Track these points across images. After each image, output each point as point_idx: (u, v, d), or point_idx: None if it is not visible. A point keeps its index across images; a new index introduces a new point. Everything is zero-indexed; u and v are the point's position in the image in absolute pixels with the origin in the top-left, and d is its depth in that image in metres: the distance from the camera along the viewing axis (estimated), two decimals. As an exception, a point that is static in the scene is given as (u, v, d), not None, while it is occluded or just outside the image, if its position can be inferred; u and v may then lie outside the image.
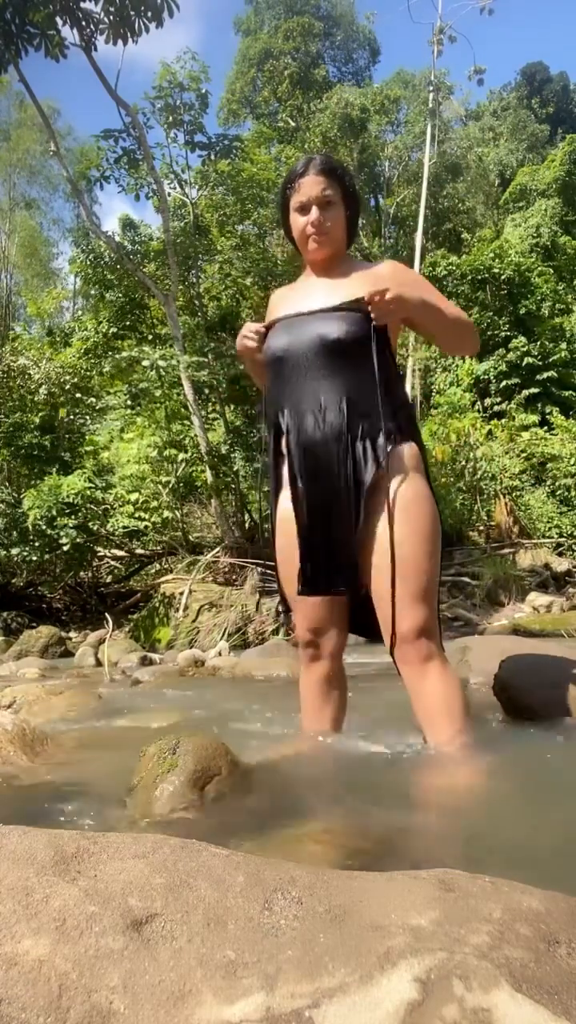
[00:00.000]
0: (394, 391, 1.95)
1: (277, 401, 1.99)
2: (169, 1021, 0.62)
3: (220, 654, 5.27)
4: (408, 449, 1.90)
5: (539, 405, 15.12)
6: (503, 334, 16.06)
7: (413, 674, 1.83)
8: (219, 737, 1.63)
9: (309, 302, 1.97)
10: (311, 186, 1.94)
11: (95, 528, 7.90)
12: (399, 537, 1.82)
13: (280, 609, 2.20)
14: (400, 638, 1.82)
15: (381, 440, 1.86)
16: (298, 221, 1.99)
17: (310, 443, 1.89)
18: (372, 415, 1.87)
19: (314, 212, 1.95)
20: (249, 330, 2.05)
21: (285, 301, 2.08)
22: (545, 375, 15.57)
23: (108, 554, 9.36)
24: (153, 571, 9.28)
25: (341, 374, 1.87)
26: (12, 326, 21.01)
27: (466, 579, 8.19)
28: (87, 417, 9.66)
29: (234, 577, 7.85)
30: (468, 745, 1.78)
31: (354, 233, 2.06)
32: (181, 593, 6.99)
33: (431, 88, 13.16)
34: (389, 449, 1.86)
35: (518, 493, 11.19)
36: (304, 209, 1.96)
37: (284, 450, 1.97)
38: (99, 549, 8.76)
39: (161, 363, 8.03)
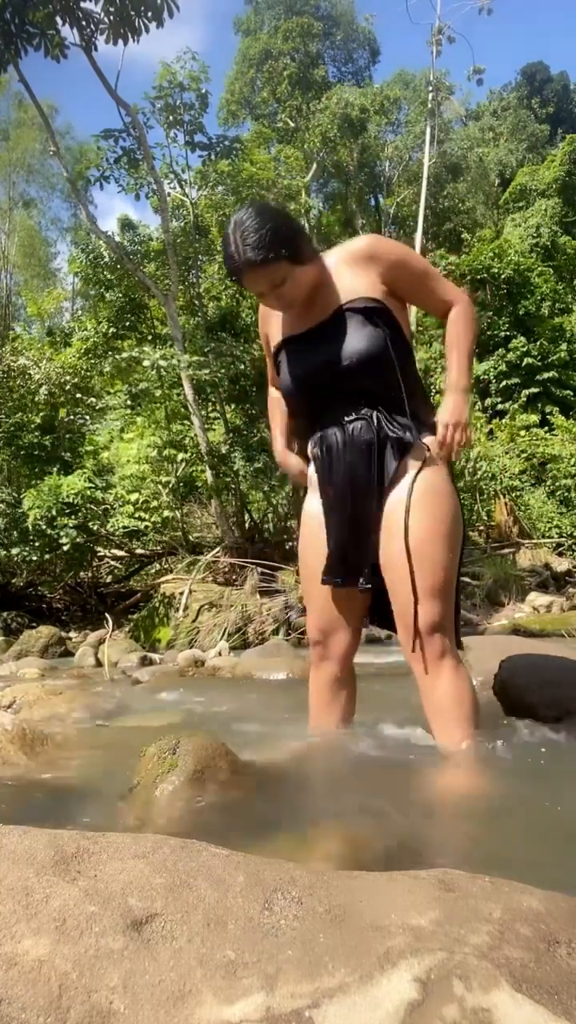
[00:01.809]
0: (416, 391, 1.95)
1: (304, 418, 2.03)
2: (169, 1021, 0.62)
3: (220, 654, 5.27)
4: (429, 444, 1.90)
5: (539, 405, 15.12)
6: (503, 334, 16.07)
7: (425, 671, 1.82)
8: (219, 737, 1.63)
9: (304, 318, 1.94)
10: (254, 284, 1.83)
11: (95, 528, 7.90)
12: (417, 531, 1.81)
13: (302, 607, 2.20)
14: (414, 634, 1.82)
15: (404, 436, 1.87)
16: (261, 301, 1.94)
17: (339, 450, 1.91)
18: (395, 417, 1.88)
19: (271, 299, 1.88)
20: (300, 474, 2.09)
21: (278, 316, 2.02)
22: (545, 375, 15.58)
23: (108, 554, 9.36)
24: (153, 571, 9.28)
25: (361, 383, 1.88)
26: (12, 326, 21.00)
27: (466, 579, 8.19)
28: (87, 417, 9.65)
29: (234, 577, 7.85)
30: (477, 745, 1.78)
31: (309, 250, 1.88)
32: (181, 593, 6.99)
33: (431, 88, 13.15)
34: (410, 444, 1.87)
35: (518, 493, 11.18)
36: (261, 296, 1.89)
37: (314, 453, 1.99)
38: (99, 549, 8.75)
39: (162, 363, 8.03)
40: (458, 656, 1.88)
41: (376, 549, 1.89)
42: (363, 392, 1.88)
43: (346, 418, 1.90)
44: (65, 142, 23.75)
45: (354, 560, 1.92)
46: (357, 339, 1.85)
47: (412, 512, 1.82)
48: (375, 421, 1.87)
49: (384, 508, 1.86)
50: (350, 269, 1.90)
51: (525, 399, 15.18)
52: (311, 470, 2.03)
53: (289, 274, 1.81)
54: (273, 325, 2.04)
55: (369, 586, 1.90)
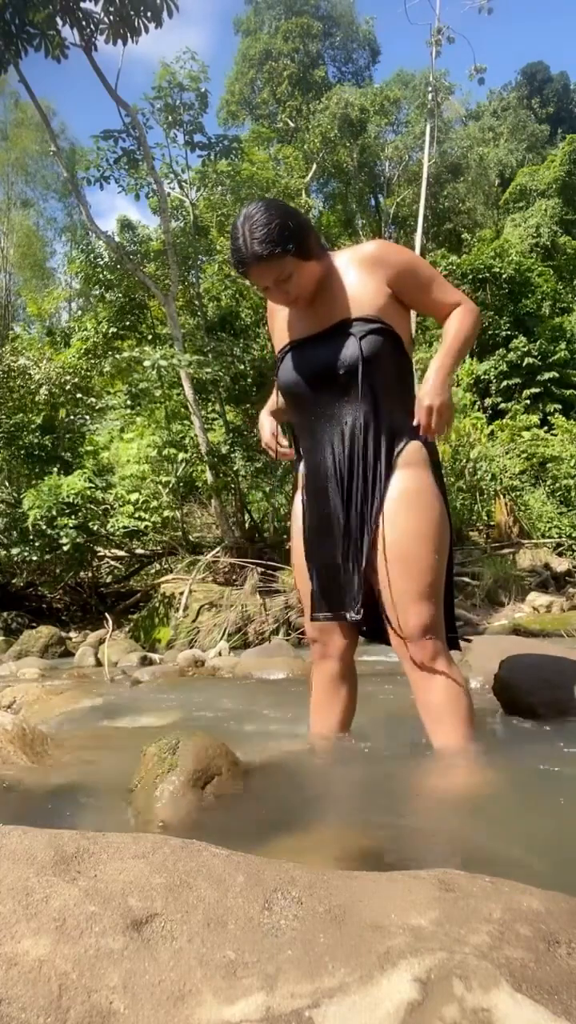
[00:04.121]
0: (408, 395, 1.95)
1: (296, 426, 2.04)
2: (169, 1021, 0.62)
3: (220, 654, 5.27)
4: (414, 447, 1.90)
5: (540, 405, 15.13)
6: (503, 334, 16.07)
7: (418, 673, 1.83)
8: (219, 737, 1.63)
9: (308, 321, 1.96)
10: (260, 277, 1.84)
11: (95, 528, 7.90)
12: (403, 533, 1.82)
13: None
14: (405, 636, 1.82)
15: (388, 443, 1.88)
16: (267, 295, 1.96)
17: (330, 471, 1.92)
18: (382, 424, 1.88)
19: (276, 293, 1.89)
20: (276, 446, 2.07)
21: (285, 315, 2.04)
22: (546, 375, 15.58)
23: (108, 554, 9.36)
24: (153, 571, 9.28)
25: (354, 397, 1.88)
26: (12, 326, 21.00)
27: (466, 579, 8.19)
28: (87, 417, 9.66)
29: (234, 577, 7.85)
30: (472, 746, 1.78)
31: (317, 247, 1.90)
32: (181, 593, 6.99)
33: (430, 88, 13.17)
34: (396, 448, 1.88)
35: (518, 493, 11.19)
36: (266, 290, 1.91)
37: (302, 482, 2.02)
38: (99, 549, 8.75)
39: (162, 363, 8.03)
40: (451, 657, 1.88)
41: (363, 577, 1.89)
42: (357, 403, 1.88)
43: (337, 438, 1.90)
44: (60, 143, 23.79)
45: (348, 587, 1.92)
46: (355, 350, 1.85)
47: (395, 514, 1.83)
48: (369, 439, 1.87)
49: (372, 524, 1.87)
50: (358, 273, 1.91)
51: (527, 399, 15.18)
52: (300, 471, 2.04)
53: (295, 269, 1.82)
54: (279, 320, 2.06)
55: (359, 617, 1.89)
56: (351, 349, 1.85)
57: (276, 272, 1.81)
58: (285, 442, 2.08)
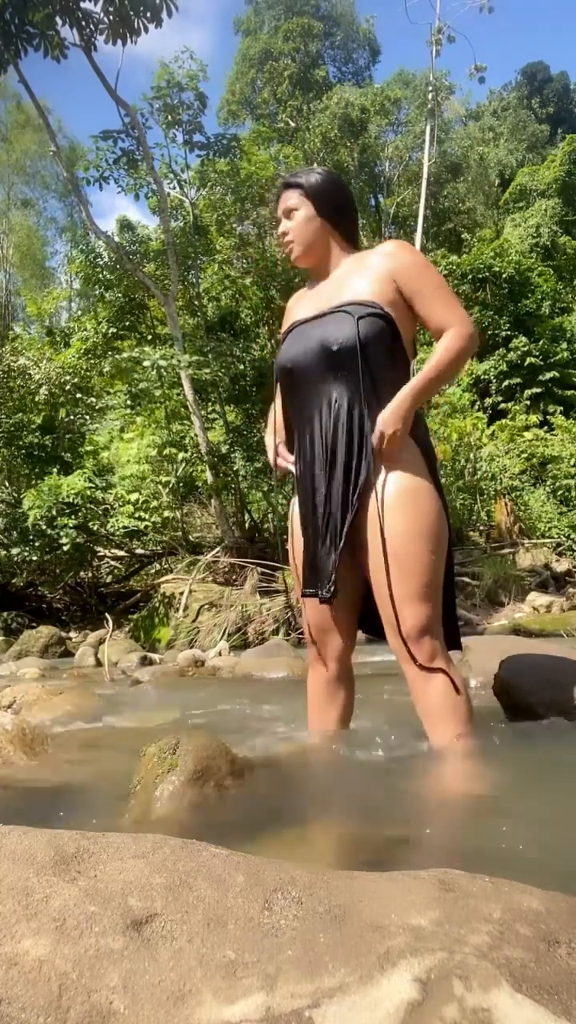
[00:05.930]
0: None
1: (289, 410, 2.05)
2: (169, 1021, 0.62)
3: (220, 654, 5.27)
4: (407, 444, 1.89)
5: (540, 405, 15.13)
6: (504, 334, 16.06)
7: (416, 674, 1.82)
8: (219, 737, 1.63)
9: (311, 308, 2.01)
10: (281, 201, 2.07)
11: (95, 528, 7.90)
12: (398, 533, 1.81)
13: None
14: (403, 636, 1.82)
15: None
16: (277, 231, 2.14)
17: (317, 447, 1.92)
18: (371, 408, 1.87)
19: (281, 225, 2.07)
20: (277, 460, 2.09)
21: (296, 307, 2.10)
22: (548, 375, 15.57)
23: (108, 554, 9.36)
24: (153, 571, 9.28)
25: (345, 376, 1.88)
26: (12, 326, 21.00)
27: (466, 579, 8.19)
28: (87, 417, 9.66)
29: (234, 577, 7.85)
30: (471, 746, 1.78)
31: (343, 229, 2.04)
32: (181, 593, 6.99)
33: (431, 88, 13.16)
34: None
35: (518, 493, 11.19)
36: (277, 221, 2.11)
37: (295, 457, 2.02)
38: (99, 549, 8.75)
39: (162, 363, 8.03)
40: (449, 656, 1.87)
41: (352, 556, 1.90)
42: (348, 383, 1.88)
43: (326, 414, 1.91)
44: (57, 141, 23.83)
45: (323, 565, 1.91)
46: (350, 329, 1.86)
47: (389, 513, 1.81)
48: (354, 419, 1.87)
49: (361, 512, 1.86)
50: (370, 266, 1.95)
51: (527, 399, 15.17)
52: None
53: (304, 211, 2.01)
54: (295, 315, 2.09)
55: (329, 595, 1.88)
56: (347, 328, 1.87)
57: (289, 201, 2.02)
58: (289, 457, 2.06)
